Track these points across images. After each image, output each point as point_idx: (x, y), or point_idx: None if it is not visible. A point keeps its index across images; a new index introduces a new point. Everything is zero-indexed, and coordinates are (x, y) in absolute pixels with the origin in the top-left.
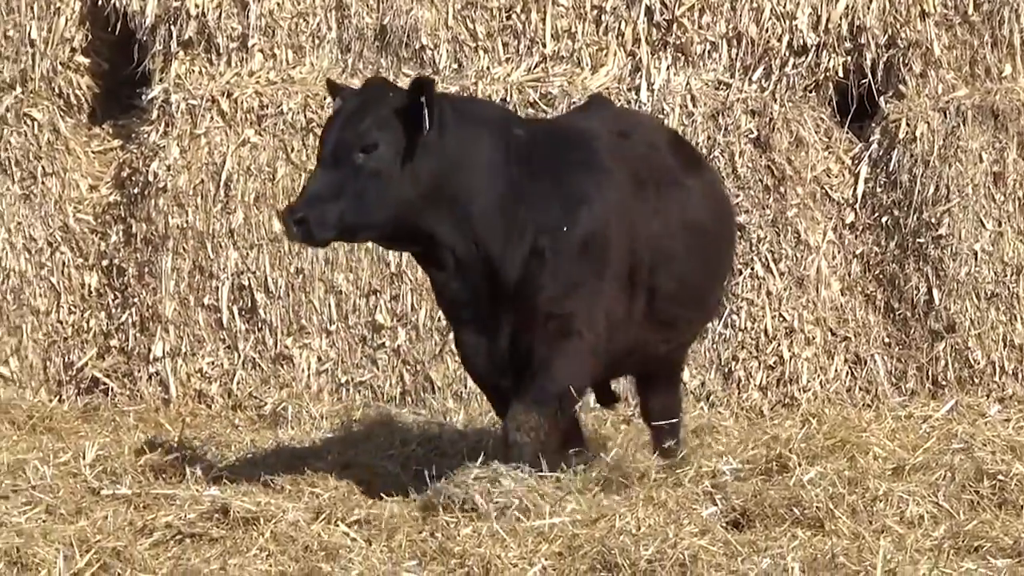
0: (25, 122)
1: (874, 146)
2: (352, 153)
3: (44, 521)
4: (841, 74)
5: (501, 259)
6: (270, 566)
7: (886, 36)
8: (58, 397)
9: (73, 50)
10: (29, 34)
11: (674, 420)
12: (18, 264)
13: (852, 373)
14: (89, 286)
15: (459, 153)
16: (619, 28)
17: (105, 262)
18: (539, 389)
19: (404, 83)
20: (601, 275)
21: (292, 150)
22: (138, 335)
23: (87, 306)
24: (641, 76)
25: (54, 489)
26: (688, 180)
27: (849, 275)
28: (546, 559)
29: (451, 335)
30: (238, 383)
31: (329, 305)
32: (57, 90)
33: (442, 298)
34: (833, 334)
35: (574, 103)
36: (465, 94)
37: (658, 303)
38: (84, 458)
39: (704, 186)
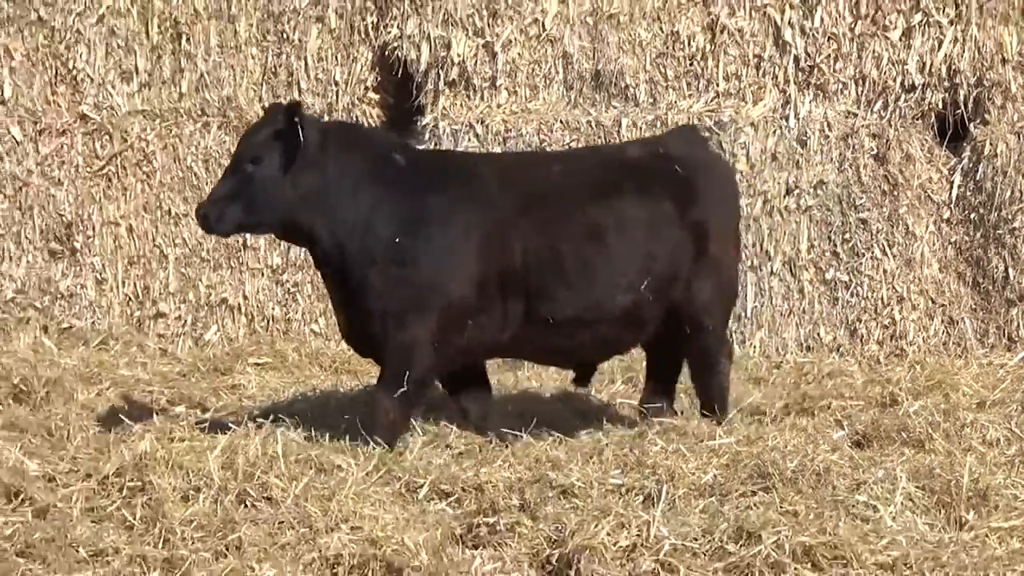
0: None
1: (965, 160)
2: (244, 164)
3: (339, 439)
4: (941, 106)
5: (354, 261)
6: (510, 473)
7: (975, 77)
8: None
9: (366, 88)
10: (334, 76)
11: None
12: None
13: (947, 331)
14: None
15: (336, 169)
16: (773, 72)
17: None
18: (383, 380)
19: (608, 113)
20: (440, 281)
21: None
22: None
23: None
24: (790, 108)
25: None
26: (602, 209)
27: (945, 257)
28: (716, 469)
29: None
30: None
31: None
32: (355, 118)
33: (325, 284)
34: (933, 302)
35: (739, 128)
36: (658, 122)
37: (541, 305)
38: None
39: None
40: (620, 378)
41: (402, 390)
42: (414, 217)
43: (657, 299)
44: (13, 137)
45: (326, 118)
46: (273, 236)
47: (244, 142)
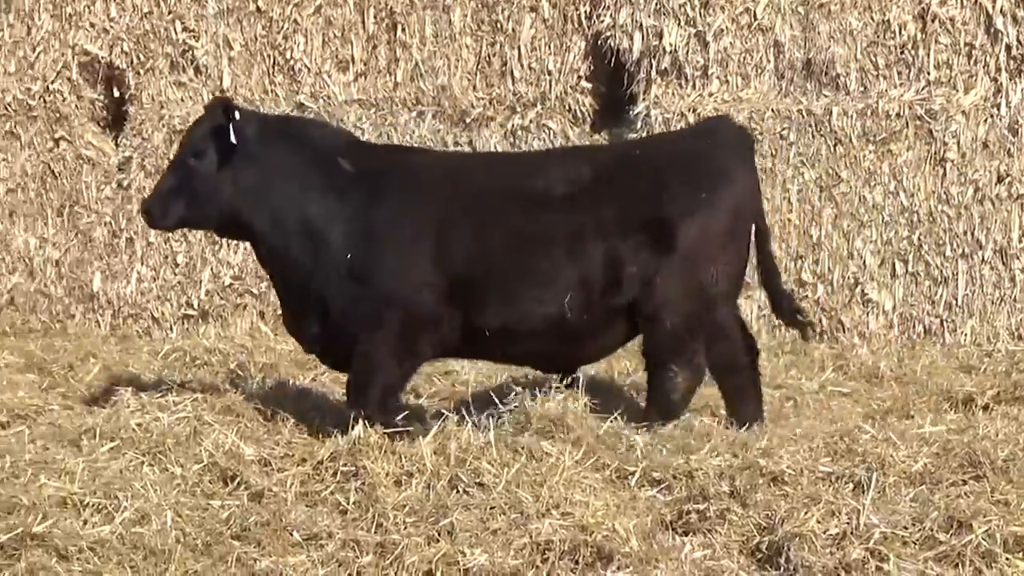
0: (543, 130)
1: None
2: (186, 159)
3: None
4: None
5: (301, 267)
6: (720, 460)
7: None
8: None
9: (579, 77)
10: (547, 66)
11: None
12: None
13: None
14: None
15: (277, 167)
16: (985, 60)
17: None
18: (350, 397)
19: (819, 102)
20: (378, 287)
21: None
22: None
23: None
24: (1001, 96)
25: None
26: (527, 215)
27: None
28: (926, 458)
29: (858, 289)
30: None
31: None
32: (568, 107)
33: (272, 282)
34: None
35: (950, 117)
36: (869, 110)
37: (482, 308)
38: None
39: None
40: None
41: (370, 405)
42: (363, 227)
43: (597, 303)
44: None
45: (539, 105)
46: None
47: (186, 136)
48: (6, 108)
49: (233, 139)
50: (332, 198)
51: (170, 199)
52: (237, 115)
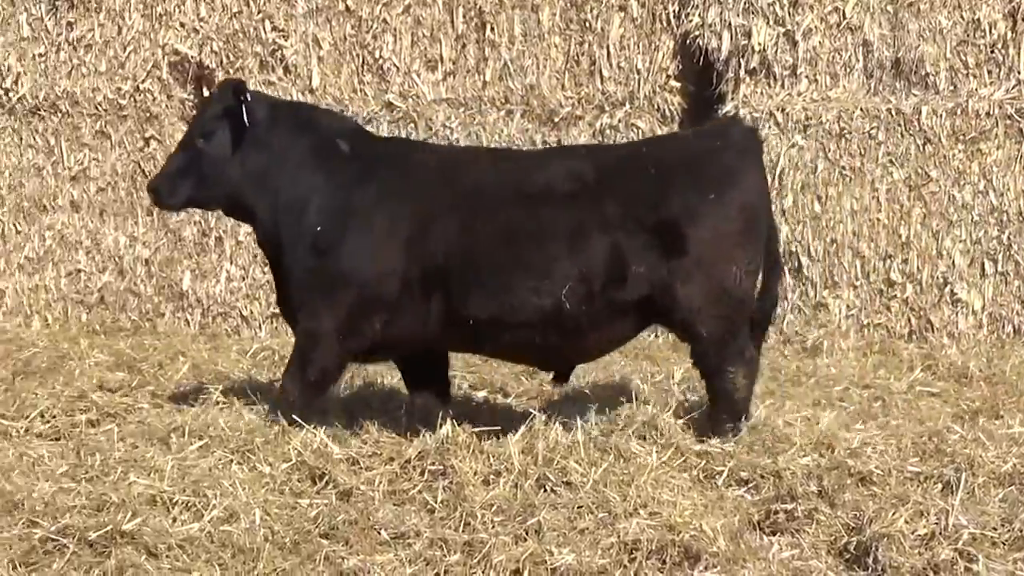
0: (632, 129)
1: None
2: (196, 139)
3: (633, 425)
4: None
5: (285, 244)
6: (808, 460)
7: None
8: (654, 334)
9: (668, 76)
10: (635, 65)
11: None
12: None
13: None
14: None
15: (281, 151)
16: None
17: None
18: (288, 366)
19: (908, 101)
20: (353, 273)
21: (828, 151)
22: None
23: None
24: None
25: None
26: (523, 212)
27: None
28: (1016, 458)
29: (947, 288)
30: (787, 324)
31: (856, 266)
32: (656, 106)
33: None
34: None
35: None
36: (958, 109)
37: (463, 297)
38: (674, 378)
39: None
40: None
41: (305, 377)
42: (340, 207)
43: (596, 299)
44: None
45: (627, 105)
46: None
47: (197, 117)
48: (97, 108)
49: (246, 120)
50: (328, 183)
51: (178, 179)
52: (248, 97)
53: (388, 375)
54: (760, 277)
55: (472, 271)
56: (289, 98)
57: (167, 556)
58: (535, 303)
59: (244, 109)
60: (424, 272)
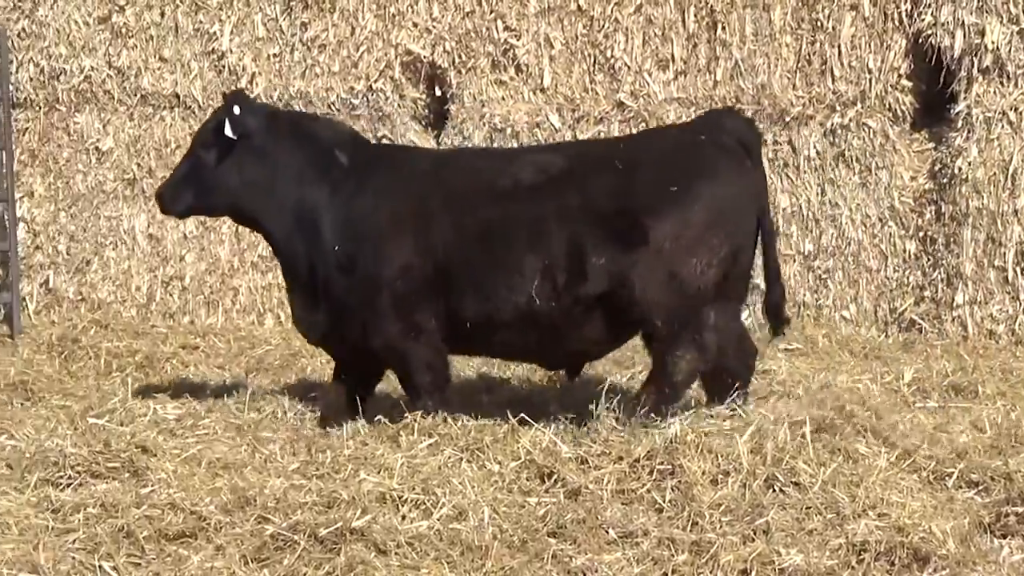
0: (863, 129)
1: None
2: (197, 149)
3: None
4: None
5: (305, 256)
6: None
7: None
8: (884, 334)
9: (899, 76)
10: (867, 64)
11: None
12: (856, 235)
13: None
14: (908, 251)
15: (281, 161)
16: None
17: (921, 233)
18: (408, 392)
19: None
20: (376, 286)
21: None
22: (944, 288)
23: (907, 266)
24: None
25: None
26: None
27: None
28: None
29: None
30: (1020, 325)
31: None
32: (887, 105)
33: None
34: None
35: None
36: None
37: (462, 301)
38: (903, 378)
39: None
40: None
41: (423, 384)
42: (351, 219)
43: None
44: (552, 124)
45: (859, 104)
46: None
47: (201, 127)
48: (330, 107)
49: (229, 132)
50: (327, 191)
51: (181, 187)
52: (237, 109)
53: (618, 373)
54: (760, 277)
55: (468, 270)
56: (516, 98)
57: (396, 553)
58: (514, 301)
59: (228, 121)
60: (435, 267)
